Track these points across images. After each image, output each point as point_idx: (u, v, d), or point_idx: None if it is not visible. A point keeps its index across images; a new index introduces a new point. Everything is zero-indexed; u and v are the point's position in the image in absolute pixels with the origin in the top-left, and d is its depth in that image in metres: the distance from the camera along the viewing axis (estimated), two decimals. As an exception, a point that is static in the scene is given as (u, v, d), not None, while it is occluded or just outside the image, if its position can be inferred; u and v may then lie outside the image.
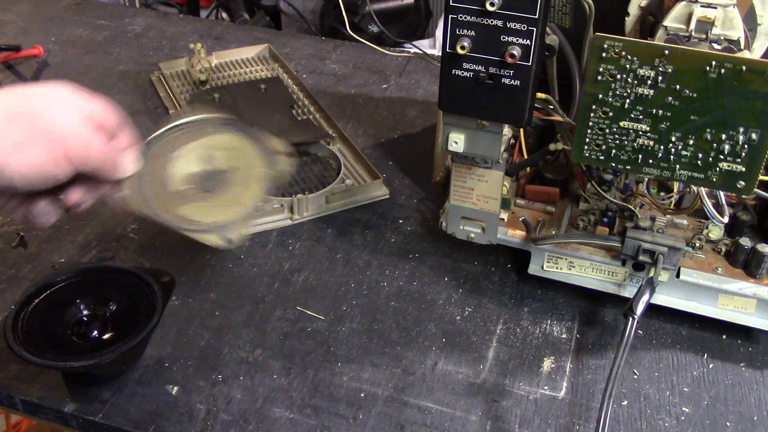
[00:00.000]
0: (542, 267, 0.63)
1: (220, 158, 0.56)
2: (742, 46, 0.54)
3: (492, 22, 0.50)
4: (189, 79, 0.91)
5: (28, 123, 0.46)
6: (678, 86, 0.49)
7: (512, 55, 0.50)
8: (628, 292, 0.61)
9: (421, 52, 1.06)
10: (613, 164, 0.53)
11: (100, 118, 0.50)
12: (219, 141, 0.56)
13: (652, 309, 0.60)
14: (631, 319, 0.54)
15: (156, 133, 0.54)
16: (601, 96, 0.51)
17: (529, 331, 0.61)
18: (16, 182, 0.46)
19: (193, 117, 0.56)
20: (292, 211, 0.71)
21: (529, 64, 0.51)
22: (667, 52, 0.48)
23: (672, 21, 0.55)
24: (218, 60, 0.96)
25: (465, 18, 0.51)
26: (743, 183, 0.51)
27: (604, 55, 0.50)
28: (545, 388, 0.56)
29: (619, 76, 0.50)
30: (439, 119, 0.58)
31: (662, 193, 0.64)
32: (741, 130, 0.49)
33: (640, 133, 0.51)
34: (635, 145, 0.52)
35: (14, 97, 0.48)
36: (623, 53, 0.49)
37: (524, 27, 0.50)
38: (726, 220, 0.56)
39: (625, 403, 0.56)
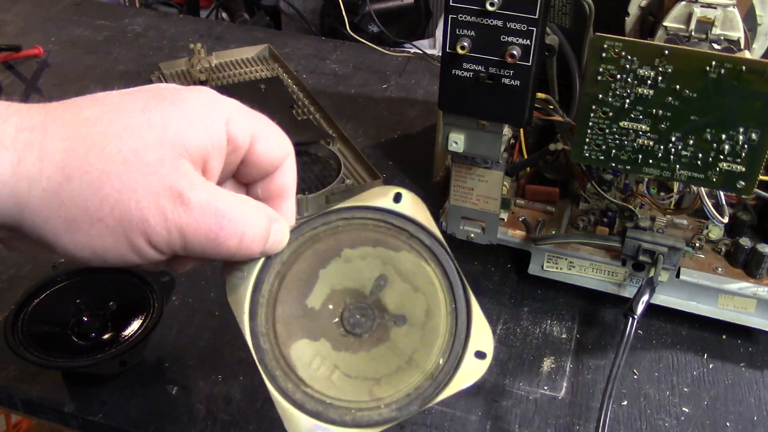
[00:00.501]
0: (542, 267, 0.63)
1: (395, 289, 0.37)
2: (742, 46, 0.54)
3: (492, 22, 0.50)
4: (189, 79, 0.91)
5: (91, 187, 0.30)
6: (678, 86, 0.49)
7: (512, 55, 0.50)
8: (628, 292, 0.61)
9: (421, 52, 1.06)
10: (613, 164, 0.53)
11: (242, 156, 0.35)
12: (407, 264, 0.37)
13: (652, 309, 0.60)
14: (631, 319, 0.54)
15: (317, 213, 0.38)
16: (601, 96, 0.51)
17: (529, 331, 0.61)
18: (70, 258, 0.33)
19: (374, 203, 0.38)
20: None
21: (529, 64, 0.51)
22: (667, 52, 0.48)
23: (672, 21, 0.55)
24: (218, 60, 0.95)
25: (465, 18, 0.51)
26: (743, 183, 0.51)
27: (604, 55, 0.50)
28: (545, 388, 0.56)
29: (619, 76, 0.50)
30: (439, 119, 0.58)
31: (662, 193, 0.64)
32: (741, 130, 0.49)
33: (640, 133, 0.51)
34: (635, 145, 0.52)
35: (85, 134, 0.31)
36: (623, 53, 0.49)
37: (524, 27, 0.50)
38: (726, 220, 0.56)
39: (625, 403, 0.56)
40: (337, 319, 0.36)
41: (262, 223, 0.34)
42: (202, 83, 0.90)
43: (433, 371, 0.35)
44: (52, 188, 0.30)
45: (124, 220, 0.30)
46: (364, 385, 0.35)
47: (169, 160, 0.31)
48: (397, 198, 0.39)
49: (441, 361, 0.36)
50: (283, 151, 0.37)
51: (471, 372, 0.36)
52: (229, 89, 0.88)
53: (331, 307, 0.36)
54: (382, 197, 0.38)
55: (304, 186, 0.74)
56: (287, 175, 0.37)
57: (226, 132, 0.34)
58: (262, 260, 0.36)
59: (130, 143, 0.31)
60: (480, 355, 0.36)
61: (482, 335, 0.37)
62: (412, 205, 0.39)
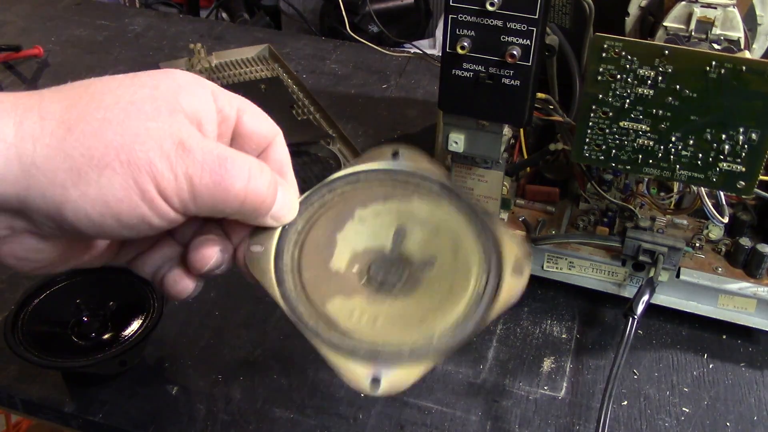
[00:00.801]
0: (542, 267, 0.63)
1: (415, 237, 0.37)
2: (742, 46, 0.54)
3: (492, 22, 0.50)
4: None
5: (94, 135, 0.31)
6: (678, 86, 0.49)
7: (512, 55, 0.50)
8: (628, 292, 0.61)
9: (421, 52, 1.06)
10: (613, 164, 0.53)
11: (232, 127, 0.36)
12: (420, 210, 0.37)
13: (652, 309, 0.60)
14: (631, 319, 0.54)
15: (322, 183, 0.39)
16: (601, 96, 0.51)
17: (529, 331, 0.61)
18: (82, 227, 0.31)
19: (383, 165, 0.39)
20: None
21: (529, 64, 0.51)
22: (667, 52, 0.48)
23: (672, 21, 0.55)
24: (218, 60, 0.95)
25: (465, 18, 0.51)
26: (743, 183, 0.51)
27: (604, 55, 0.50)
28: (545, 388, 0.56)
29: (619, 76, 0.50)
30: (439, 119, 0.58)
31: (662, 193, 0.64)
32: (741, 130, 0.49)
33: (640, 133, 0.51)
34: (635, 145, 0.52)
35: (80, 93, 0.32)
36: (623, 53, 0.49)
37: (524, 27, 0.50)
38: (726, 220, 0.56)
39: (625, 403, 0.56)
40: (364, 280, 0.36)
41: (267, 173, 0.35)
42: None
43: (476, 295, 0.35)
44: (56, 142, 0.30)
45: (132, 164, 0.30)
46: (411, 325, 0.35)
47: (165, 112, 0.32)
48: (395, 155, 0.39)
49: (482, 284, 0.35)
50: (272, 127, 0.39)
51: (512, 289, 0.35)
52: (229, 89, 0.88)
53: (355, 269, 0.36)
54: (381, 157, 0.39)
55: (304, 186, 0.74)
56: (281, 151, 0.38)
57: (214, 102, 0.35)
58: (278, 231, 0.36)
59: (125, 97, 0.32)
60: (518, 270, 0.35)
61: (515, 252, 0.36)
62: (412, 158, 0.39)
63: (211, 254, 0.36)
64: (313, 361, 0.58)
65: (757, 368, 0.59)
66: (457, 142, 0.56)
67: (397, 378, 0.33)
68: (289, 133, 0.78)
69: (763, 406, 0.56)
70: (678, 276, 0.59)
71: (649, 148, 0.52)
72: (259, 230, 0.36)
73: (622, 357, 0.52)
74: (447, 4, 0.50)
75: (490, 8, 0.49)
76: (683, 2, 0.54)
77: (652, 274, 0.57)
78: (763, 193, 0.57)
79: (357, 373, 0.33)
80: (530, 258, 0.37)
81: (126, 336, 0.53)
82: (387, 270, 0.36)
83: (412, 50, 1.08)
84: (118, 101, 0.31)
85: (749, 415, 0.55)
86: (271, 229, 0.36)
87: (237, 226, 0.37)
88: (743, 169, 0.50)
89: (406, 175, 0.38)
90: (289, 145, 0.74)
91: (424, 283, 0.36)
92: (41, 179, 0.30)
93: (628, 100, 0.51)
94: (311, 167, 0.77)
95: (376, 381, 0.33)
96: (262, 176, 0.34)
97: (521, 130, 0.66)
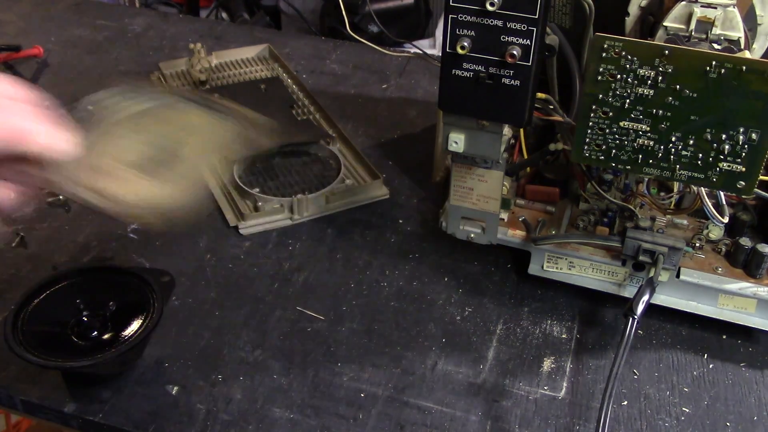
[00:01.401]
0: (542, 267, 0.63)
1: (169, 134, 0.49)
2: (742, 46, 0.54)
3: (492, 22, 0.50)
4: (189, 80, 0.91)
5: None
6: (678, 86, 0.49)
7: (512, 55, 0.50)
8: (628, 292, 0.61)
9: (421, 52, 1.06)
10: (613, 164, 0.53)
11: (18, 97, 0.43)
12: (173, 116, 0.50)
13: (652, 309, 0.60)
14: (631, 319, 0.54)
15: (93, 96, 0.47)
16: (601, 96, 0.51)
17: (529, 331, 0.61)
18: None
19: (145, 93, 0.49)
20: (292, 211, 0.71)
21: (529, 64, 0.51)
22: (667, 52, 0.48)
23: (672, 21, 0.55)
24: (218, 60, 0.96)
25: (465, 18, 0.51)
26: (743, 183, 0.51)
27: (604, 55, 0.50)
28: (545, 388, 0.56)
29: (619, 76, 0.50)
30: (439, 119, 0.58)
31: (662, 193, 0.64)
32: (741, 130, 0.49)
33: (640, 133, 0.51)
34: (635, 145, 0.52)
35: None
36: (623, 53, 0.49)
37: (524, 27, 0.50)
38: (726, 220, 0.56)
39: (625, 403, 0.56)
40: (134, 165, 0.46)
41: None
42: (202, 83, 0.90)
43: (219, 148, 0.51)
44: None
45: None
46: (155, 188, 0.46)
47: None
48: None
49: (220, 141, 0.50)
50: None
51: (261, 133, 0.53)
52: (229, 89, 0.88)
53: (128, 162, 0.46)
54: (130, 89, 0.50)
55: (304, 186, 0.74)
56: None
57: None
58: None
59: None
60: None
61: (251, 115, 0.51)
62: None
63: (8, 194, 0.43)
64: (313, 361, 0.58)
65: (757, 368, 0.59)
66: (457, 142, 0.56)
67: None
68: (289, 132, 0.78)
69: (763, 406, 0.56)
70: (678, 276, 0.59)
71: (649, 148, 0.52)
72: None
73: (622, 357, 0.52)
74: (447, 4, 0.50)
75: (490, 8, 0.49)
76: (683, 2, 0.54)
77: (652, 274, 0.57)
78: (763, 193, 0.57)
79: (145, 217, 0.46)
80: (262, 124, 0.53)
81: (126, 336, 0.53)
82: (153, 159, 0.47)
83: (412, 50, 1.08)
84: None
85: (749, 415, 0.55)
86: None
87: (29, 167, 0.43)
88: (743, 169, 0.50)
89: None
90: (290, 145, 0.73)
91: (177, 161, 0.47)
92: None
93: (628, 100, 0.51)
94: (311, 167, 0.77)
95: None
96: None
97: (521, 130, 0.66)
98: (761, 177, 0.52)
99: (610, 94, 0.51)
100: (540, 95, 0.58)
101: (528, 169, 0.67)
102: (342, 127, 0.82)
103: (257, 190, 0.73)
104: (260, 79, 0.92)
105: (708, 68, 0.48)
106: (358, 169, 0.78)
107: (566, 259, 0.62)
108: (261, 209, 0.70)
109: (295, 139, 0.78)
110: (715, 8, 0.54)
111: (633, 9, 0.60)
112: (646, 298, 0.55)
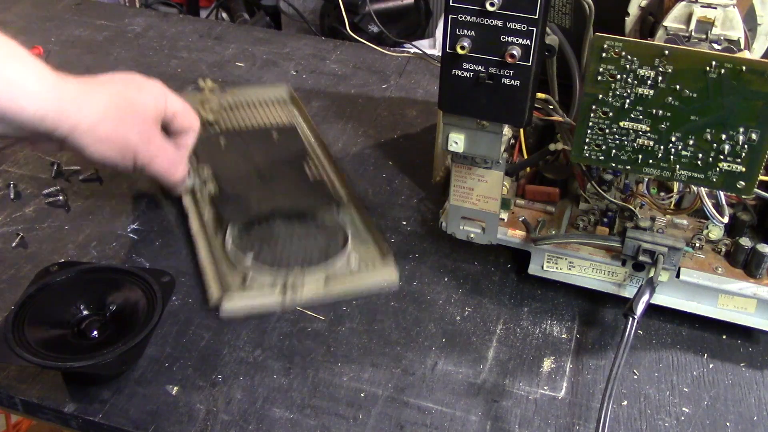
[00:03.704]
0: (542, 267, 0.63)
1: None
2: (742, 46, 0.54)
3: (492, 22, 0.50)
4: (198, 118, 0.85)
5: (125, 100, 0.58)
6: (678, 86, 0.49)
7: (512, 55, 0.50)
8: (628, 292, 0.61)
9: (421, 52, 1.06)
10: (613, 164, 0.53)
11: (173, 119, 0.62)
12: None
13: (652, 309, 0.60)
14: (631, 319, 0.54)
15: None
16: (601, 96, 0.51)
17: (529, 331, 0.61)
18: (89, 151, 0.55)
19: None
20: (285, 291, 0.61)
21: (529, 64, 0.51)
22: (667, 52, 0.48)
23: (672, 21, 0.55)
24: (232, 97, 0.87)
25: (465, 18, 0.51)
26: (743, 183, 0.51)
27: (604, 55, 0.50)
28: (545, 388, 0.56)
29: (619, 76, 0.50)
30: (439, 119, 0.58)
31: (662, 193, 0.64)
32: (741, 130, 0.49)
33: (640, 133, 0.51)
34: (635, 145, 0.52)
35: (119, 82, 0.60)
36: (623, 53, 0.49)
37: (524, 27, 0.50)
38: (726, 220, 0.56)
39: (625, 403, 0.56)
40: None
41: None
42: (211, 124, 0.81)
43: None
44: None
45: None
46: None
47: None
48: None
49: None
50: (192, 122, 0.66)
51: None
52: (239, 134, 0.80)
53: None
54: None
55: (304, 260, 0.64)
56: (190, 138, 0.66)
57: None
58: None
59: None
60: None
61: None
62: None
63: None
64: (313, 361, 0.58)
65: (757, 368, 0.59)
66: (457, 142, 0.56)
67: None
68: (297, 195, 0.71)
69: (763, 406, 0.56)
70: (678, 276, 0.59)
71: (649, 148, 0.52)
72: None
73: (622, 357, 0.52)
74: (447, 4, 0.51)
75: (490, 8, 0.49)
76: (683, 2, 0.54)
77: (652, 274, 0.57)
78: (763, 193, 0.57)
79: None
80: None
81: (126, 336, 0.53)
82: None
83: (412, 50, 1.08)
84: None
85: (749, 415, 0.55)
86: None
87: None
88: (743, 169, 0.50)
89: None
90: (296, 211, 0.69)
91: None
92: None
93: (628, 100, 0.51)
94: (316, 237, 0.67)
95: None
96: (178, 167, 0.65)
97: (521, 130, 0.66)
98: (761, 177, 0.52)
99: (610, 94, 0.51)
100: (540, 95, 0.58)
101: (528, 169, 0.67)
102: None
103: (250, 256, 0.63)
104: (274, 125, 0.83)
105: (708, 68, 0.48)
106: (368, 242, 0.67)
107: (566, 259, 0.62)
108: (249, 283, 0.61)
109: (302, 204, 0.70)
110: (715, 8, 0.54)
111: (633, 9, 0.60)
112: (646, 298, 0.55)
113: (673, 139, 0.51)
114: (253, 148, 0.77)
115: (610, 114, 0.52)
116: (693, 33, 0.54)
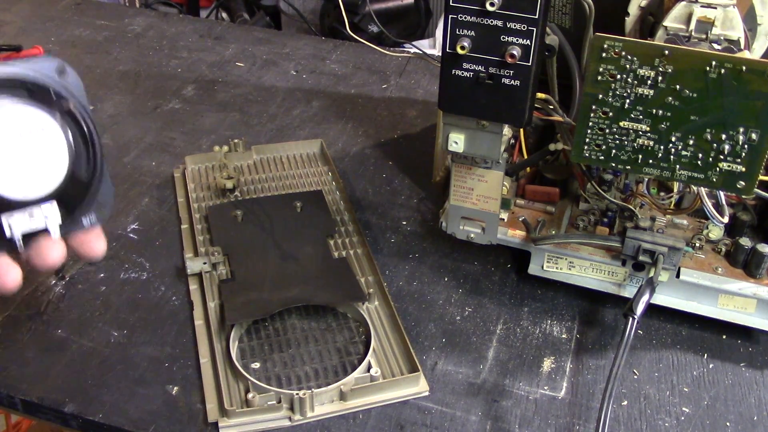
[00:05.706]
0: (542, 267, 0.63)
1: None
2: (742, 46, 0.54)
3: (492, 22, 0.50)
4: (213, 184, 0.74)
5: None
6: (678, 86, 0.49)
7: (512, 55, 0.50)
8: (628, 292, 0.61)
9: (421, 52, 1.06)
10: (613, 164, 0.53)
11: None
12: None
13: (652, 309, 0.60)
14: (631, 319, 0.54)
15: None
16: (601, 96, 0.51)
17: (529, 331, 0.61)
18: None
19: None
20: (292, 410, 0.53)
21: (529, 64, 0.51)
22: (667, 52, 0.48)
23: (672, 21, 0.55)
24: (258, 155, 0.79)
25: (465, 18, 0.51)
26: (743, 183, 0.51)
27: (604, 55, 0.50)
28: (545, 388, 0.56)
29: (619, 76, 0.50)
30: (439, 119, 0.58)
31: (662, 193, 0.64)
32: (741, 130, 0.49)
33: (640, 133, 0.51)
34: (635, 145, 0.52)
35: None
36: (623, 53, 0.49)
37: (524, 27, 0.50)
38: (726, 220, 0.56)
39: (625, 403, 0.56)
40: None
41: None
42: (229, 191, 0.73)
43: None
44: None
45: None
46: None
47: None
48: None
49: None
50: None
51: None
52: (257, 204, 0.71)
53: None
54: None
55: (318, 366, 0.56)
56: None
57: None
58: None
59: None
60: None
61: None
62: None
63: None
64: (313, 361, 0.58)
65: (757, 368, 0.59)
66: (457, 142, 0.56)
67: None
68: (317, 282, 0.61)
69: (763, 406, 0.56)
70: (678, 276, 0.59)
71: (649, 148, 0.52)
72: None
73: (622, 357, 0.52)
74: (447, 4, 0.51)
75: (490, 8, 0.49)
76: (683, 2, 0.54)
77: (652, 274, 0.57)
78: (763, 193, 0.57)
79: None
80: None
81: None
82: None
83: (412, 50, 1.08)
84: None
85: (749, 415, 0.55)
86: None
87: None
88: (743, 169, 0.50)
89: None
90: (314, 304, 0.61)
91: None
92: None
93: (628, 100, 0.51)
94: (335, 336, 0.59)
95: None
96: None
97: (521, 130, 0.66)
98: (761, 177, 0.52)
99: (610, 94, 0.51)
100: (540, 95, 0.58)
101: (528, 169, 0.67)
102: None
103: (257, 366, 0.56)
104: (298, 193, 0.73)
105: (708, 68, 0.48)
106: (393, 342, 0.58)
107: (566, 259, 0.62)
108: (252, 399, 0.52)
109: (322, 296, 0.61)
110: (715, 8, 0.54)
111: (633, 9, 0.60)
112: (646, 298, 0.55)
113: (673, 139, 0.51)
114: (274, 220, 0.69)
115: (610, 114, 0.52)
116: (693, 33, 0.54)
